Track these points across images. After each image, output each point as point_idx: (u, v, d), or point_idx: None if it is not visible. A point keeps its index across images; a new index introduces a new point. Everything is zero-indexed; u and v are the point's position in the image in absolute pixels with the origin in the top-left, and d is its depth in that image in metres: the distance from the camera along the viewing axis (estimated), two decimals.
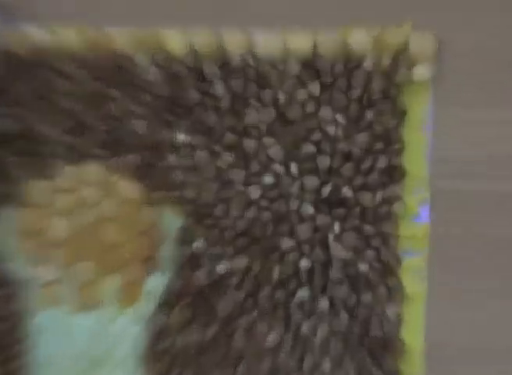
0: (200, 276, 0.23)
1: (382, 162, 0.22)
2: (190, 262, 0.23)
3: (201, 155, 0.22)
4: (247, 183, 0.22)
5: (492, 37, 0.23)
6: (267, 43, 0.21)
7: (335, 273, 0.22)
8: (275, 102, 0.22)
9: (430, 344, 0.24)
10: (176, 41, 0.21)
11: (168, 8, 0.23)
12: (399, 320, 0.22)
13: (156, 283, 0.23)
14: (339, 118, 0.21)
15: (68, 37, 0.22)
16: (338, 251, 0.22)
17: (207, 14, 0.23)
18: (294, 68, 0.21)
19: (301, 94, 0.22)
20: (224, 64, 0.21)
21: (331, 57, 0.21)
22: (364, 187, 0.22)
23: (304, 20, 0.23)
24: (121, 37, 0.22)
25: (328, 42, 0.21)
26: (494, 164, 0.25)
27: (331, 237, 0.22)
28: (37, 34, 0.22)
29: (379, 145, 0.21)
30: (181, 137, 0.21)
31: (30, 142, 0.22)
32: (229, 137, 0.22)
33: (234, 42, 0.21)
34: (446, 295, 0.24)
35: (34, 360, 0.24)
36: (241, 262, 0.22)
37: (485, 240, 0.25)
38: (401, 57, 0.21)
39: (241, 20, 0.22)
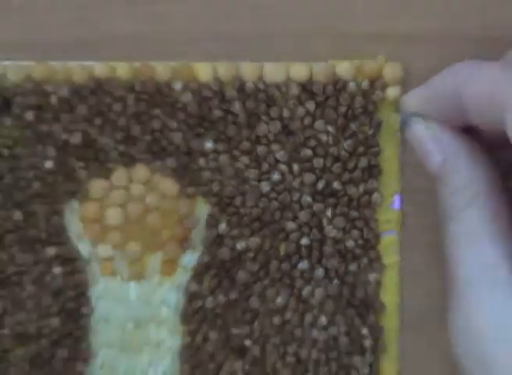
0: (224, 253, 0.27)
1: (363, 163, 0.26)
2: (216, 242, 0.27)
3: (224, 158, 0.26)
4: (259, 180, 0.27)
5: (447, 64, 0.28)
6: (274, 72, 0.25)
7: (328, 248, 0.26)
8: (280, 117, 0.26)
9: (404, 304, 0.29)
10: (204, 71, 0.26)
11: (198, 47, 0.28)
12: (378, 285, 0.26)
13: (189, 259, 0.27)
14: (330, 129, 0.26)
15: (121, 69, 0.27)
16: (330, 231, 0.26)
17: (228, 52, 0.28)
18: (295, 91, 0.26)
19: (301, 111, 0.26)
20: (240, 89, 0.26)
21: (323, 82, 0.26)
22: (350, 182, 0.26)
23: (302, 55, 0.28)
24: (162, 69, 0.26)
25: (321, 71, 0.25)
26: None
27: (325, 220, 0.26)
28: (97, 67, 0.27)
29: (361, 149, 0.26)
30: (208, 145, 0.26)
31: (91, 150, 0.27)
32: (245, 145, 0.27)
33: (248, 72, 0.26)
34: (416, 265, 0.29)
35: (95, 319, 0.29)
36: (255, 241, 0.26)
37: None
38: (376, 82, 0.25)
39: (254, 56, 0.27)
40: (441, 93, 0.25)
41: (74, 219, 0.28)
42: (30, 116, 0.27)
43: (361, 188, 0.27)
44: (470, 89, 0.24)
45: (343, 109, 0.26)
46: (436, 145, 0.25)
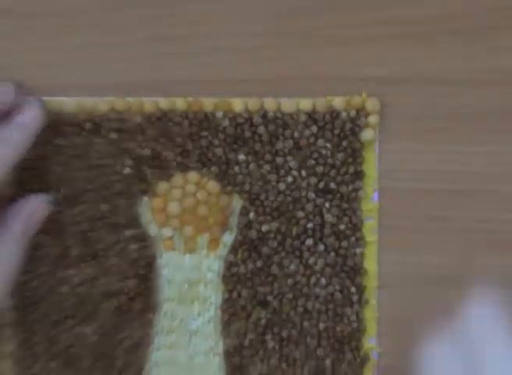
0: (252, 233, 0.34)
1: (351, 169, 0.33)
2: (247, 226, 0.34)
3: (252, 166, 0.34)
4: (277, 182, 0.33)
5: (411, 98, 0.36)
6: (288, 105, 0.33)
7: (327, 230, 0.34)
8: (292, 137, 0.33)
9: (380, 269, 0.36)
10: (238, 104, 0.33)
11: (233, 87, 0.34)
12: (362, 256, 0.34)
13: (228, 238, 0.34)
14: (328, 145, 0.34)
15: (179, 102, 0.34)
16: (328, 218, 0.33)
17: (255, 90, 0.34)
18: (303, 118, 0.33)
19: (307, 133, 0.33)
20: (264, 116, 0.33)
21: (323, 112, 0.33)
22: (342, 183, 0.33)
23: (308, 93, 0.34)
24: (208, 103, 0.33)
25: (321, 104, 0.33)
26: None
27: (324, 210, 0.33)
28: (162, 101, 0.35)
29: (350, 160, 0.33)
30: (241, 157, 0.33)
31: (157, 161, 0.34)
32: (267, 157, 0.34)
33: (270, 105, 0.33)
34: (390, 242, 0.36)
35: (160, 281, 0.36)
36: (275, 225, 0.33)
37: (420, 214, 0.38)
38: (361, 112, 0.32)
39: (274, 93, 0.33)
40: None
41: (145, 210, 0.37)
42: (113, 136, 0.36)
43: (350, 187, 0.35)
44: None
45: (337, 131, 0.35)
46: None
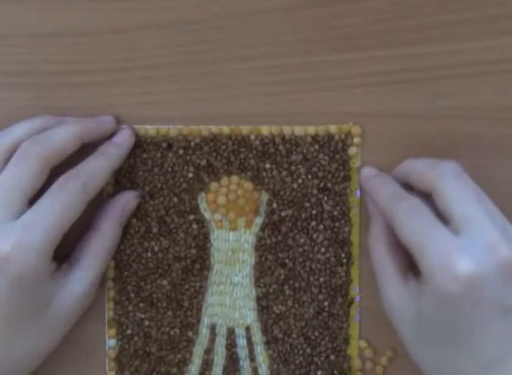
0: (275, 217, 0.43)
1: (342, 174, 0.40)
2: (271, 212, 0.42)
3: (275, 172, 0.40)
4: (292, 182, 0.40)
5: (384, 127, 0.45)
6: (298, 130, 0.40)
7: (325, 215, 0.41)
8: (302, 152, 0.40)
9: (361, 242, 0.44)
10: (264, 130, 0.40)
11: (260, 119, 0.42)
12: (349, 232, 0.42)
13: (258, 220, 0.42)
14: (326, 158, 0.40)
15: (225, 129, 0.41)
16: (326, 207, 0.41)
17: (276, 120, 0.42)
18: (309, 139, 0.40)
19: (312, 149, 0.40)
20: (283, 138, 0.40)
21: (322, 135, 0.41)
22: (335, 183, 0.41)
23: (312, 122, 0.41)
24: (244, 129, 0.41)
25: (321, 130, 0.40)
26: None
27: (323, 202, 0.41)
28: (213, 128, 0.41)
29: (341, 168, 0.40)
30: (267, 166, 0.40)
31: (210, 168, 0.42)
32: (285, 165, 0.40)
33: (287, 130, 0.40)
34: (369, 224, 0.42)
35: (212, 250, 0.44)
36: (290, 211, 0.41)
37: None
38: (348, 135, 0.40)
39: (289, 122, 0.41)
40: (399, 174, 0.41)
41: (202, 201, 0.45)
42: (181, 151, 0.44)
43: (341, 186, 0.44)
44: (412, 175, 0.39)
45: (332, 148, 0.44)
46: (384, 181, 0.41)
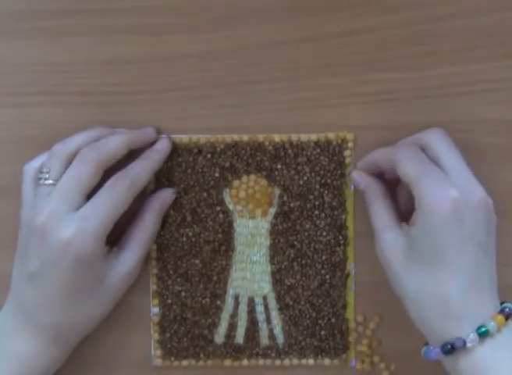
0: (286, 208, 0.52)
1: (338, 172, 0.46)
2: (282, 203, 0.52)
3: (285, 171, 0.48)
4: (298, 179, 0.52)
5: (373, 136, 0.52)
6: (303, 138, 0.47)
7: (326, 205, 0.49)
8: (307, 155, 0.46)
9: (355, 225, 0.52)
10: (276, 138, 0.44)
11: (273, 129, 0.52)
12: (345, 219, 0.50)
13: (272, 210, 0.52)
14: (326, 159, 0.48)
15: (244, 137, 0.47)
16: (326, 198, 0.49)
17: (284, 129, 0.52)
18: (312, 144, 0.47)
19: (314, 152, 0.45)
20: (291, 143, 0.45)
21: (323, 141, 0.48)
22: (334, 179, 0.47)
23: (314, 131, 0.52)
24: (259, 137, 0.44)
25: (322, 136, 0.47)
26: None
27: (324, 194, 0.49)
28: (234, 136, 0.51)
29: (338, 167, 0.46)
30: (279, 166, 0.42)
31: (232, 169, 0.46)
32: (293, 165, 0.42)
33: (294, 137, 0.45)
34: (362, 209, 0.51)
35: (235, 235, 0.53)
36: (298, 203, 0.48)
37: None
38: (344, 140, 0.48)
39: (296, 131, 0.51)
40: (370, 160, 0.49)
41: (227, 195, 0.53)
42: (209, 156, 0.52)
43: (338, 182, 0.52)
44: (380, 157, 0.48)
45: (330, 151, 0.53)
46: (362, 179, 0.50)
